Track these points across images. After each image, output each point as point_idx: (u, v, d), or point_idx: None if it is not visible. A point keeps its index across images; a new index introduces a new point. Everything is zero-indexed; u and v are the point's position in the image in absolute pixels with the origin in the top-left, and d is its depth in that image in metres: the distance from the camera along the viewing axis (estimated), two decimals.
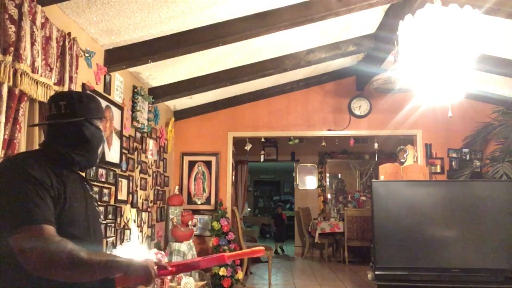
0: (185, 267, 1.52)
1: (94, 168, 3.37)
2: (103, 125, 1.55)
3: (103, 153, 1.55)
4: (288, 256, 8.95)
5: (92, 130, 1.48)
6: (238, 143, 6.54)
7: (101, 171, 3.52)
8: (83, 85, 3.20)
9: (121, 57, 3.62)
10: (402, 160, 6.70)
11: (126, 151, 4.09)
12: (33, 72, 2.36)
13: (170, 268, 1.43)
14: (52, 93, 2.60)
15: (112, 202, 3.73)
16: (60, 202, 1.31)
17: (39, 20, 2.43)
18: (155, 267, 1.35)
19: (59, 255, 1.17)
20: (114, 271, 1.27)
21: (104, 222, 3.58)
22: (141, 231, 4.47)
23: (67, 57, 2.77)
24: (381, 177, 5.51)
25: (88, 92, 1.59)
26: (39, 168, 1.30)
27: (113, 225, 3.73)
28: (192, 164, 5.93)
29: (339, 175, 9.87)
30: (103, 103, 3.57)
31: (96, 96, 1.57)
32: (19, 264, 1.17)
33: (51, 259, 1.17)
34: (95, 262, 1.22)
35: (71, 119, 1.43)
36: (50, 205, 1.26)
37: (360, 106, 5.84)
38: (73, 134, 1.45)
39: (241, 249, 5.75)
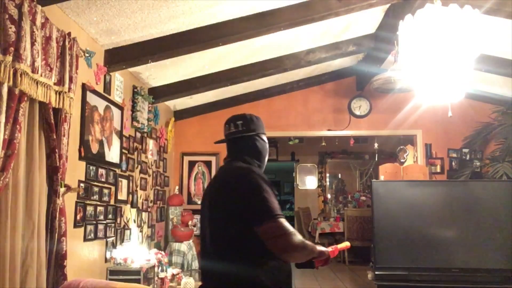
0: (335, 251, 1.86)
1: (94, 168, 3.38)
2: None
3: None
4: None
5: (261, 142, 1.81)
6: None
7: (101, 171, 3.52)
8: (83, 85, 3.20)
9: (121, 57, 3.62)
10: (402, 160, 6.70)
11: (126, 151, 4.09)
12: (33, 72, 2.36)
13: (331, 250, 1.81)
14: (52, 93, 2.61)
15: (112, 202, 3.73)
16: None
17: (39, 20, 2.43)
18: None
19: (298, 241, 1.50)
20: (314, 255, 1.62)
21: (104, 222, 3.58)
22: (141, 231, 4.47)
23: (67, 57, 2.77)
24: (381, 177, 5.51)
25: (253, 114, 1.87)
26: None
27: (113, 225, 3.73)
28: (192, 164, 5.93)
29: (339, 175, 9.87)
30: (103, 103, 3.57)
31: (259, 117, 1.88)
32: (245, 248, 1.53)
33: (295, 244, 1.49)
34: (310, 247, 1.58)
35: (247, 133, 1.76)
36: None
37: (360, 106, 5.84)
38: (249, 146, 1.78)
39: None
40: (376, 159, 7.36)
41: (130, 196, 4.18)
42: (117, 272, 3.53)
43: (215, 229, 1.63)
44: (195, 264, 5.08)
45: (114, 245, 3.74)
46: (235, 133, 1.77)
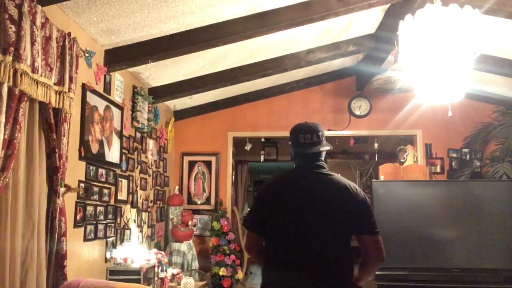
0: None
1: (94, 168, 3.38)
2: None
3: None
4: None
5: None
6: (238, 143, 6.54)
7: (101, 171, 3.52)
8: (83, 85, 3.20)
9: (121, 57, 3.62)
10: (402, 160, 6.69)
11: (126, 151, 4.09)
12: (33, 72, 2.36)
13: None
14: (52, 93, 2.60)
15: (112, 202, 3.73)
16: None
17: (39, 20, 2.43)
18: None
19: None
20: None
21: (104, 222, 3.58)
22: (141, 231, 4.47)
23: (67, 57, 2.77)
24: (381, 177, 5.51)
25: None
26: None
27: (113, 225, 3.73)
28: (192, 164, 5.93)
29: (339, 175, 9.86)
30: (103, 103, 3.57)
31: None
32: (348, 253, 1.84)
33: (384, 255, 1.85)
34: None
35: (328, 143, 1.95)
36: None
37: (360, 106, 5.84)
38: (323, 155, 1.96)
39: (241, 249, 5.74)
40: (376, 159, 7.34)
41: (130, 196, 4.19)
42: (117, 272, 3.53)
43: (323, 234, 1.81)
44: (195, 264, 5.08)
45: (114, 245, 3.74)
46: (319, 144, 1.91)
